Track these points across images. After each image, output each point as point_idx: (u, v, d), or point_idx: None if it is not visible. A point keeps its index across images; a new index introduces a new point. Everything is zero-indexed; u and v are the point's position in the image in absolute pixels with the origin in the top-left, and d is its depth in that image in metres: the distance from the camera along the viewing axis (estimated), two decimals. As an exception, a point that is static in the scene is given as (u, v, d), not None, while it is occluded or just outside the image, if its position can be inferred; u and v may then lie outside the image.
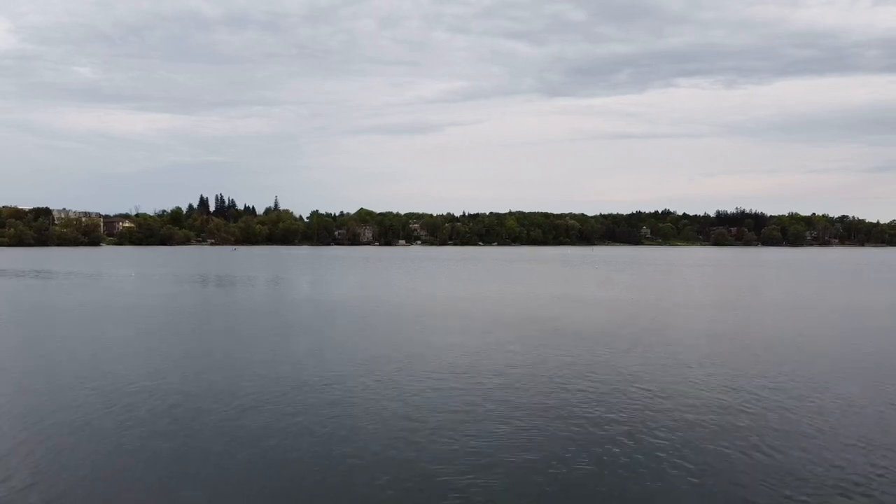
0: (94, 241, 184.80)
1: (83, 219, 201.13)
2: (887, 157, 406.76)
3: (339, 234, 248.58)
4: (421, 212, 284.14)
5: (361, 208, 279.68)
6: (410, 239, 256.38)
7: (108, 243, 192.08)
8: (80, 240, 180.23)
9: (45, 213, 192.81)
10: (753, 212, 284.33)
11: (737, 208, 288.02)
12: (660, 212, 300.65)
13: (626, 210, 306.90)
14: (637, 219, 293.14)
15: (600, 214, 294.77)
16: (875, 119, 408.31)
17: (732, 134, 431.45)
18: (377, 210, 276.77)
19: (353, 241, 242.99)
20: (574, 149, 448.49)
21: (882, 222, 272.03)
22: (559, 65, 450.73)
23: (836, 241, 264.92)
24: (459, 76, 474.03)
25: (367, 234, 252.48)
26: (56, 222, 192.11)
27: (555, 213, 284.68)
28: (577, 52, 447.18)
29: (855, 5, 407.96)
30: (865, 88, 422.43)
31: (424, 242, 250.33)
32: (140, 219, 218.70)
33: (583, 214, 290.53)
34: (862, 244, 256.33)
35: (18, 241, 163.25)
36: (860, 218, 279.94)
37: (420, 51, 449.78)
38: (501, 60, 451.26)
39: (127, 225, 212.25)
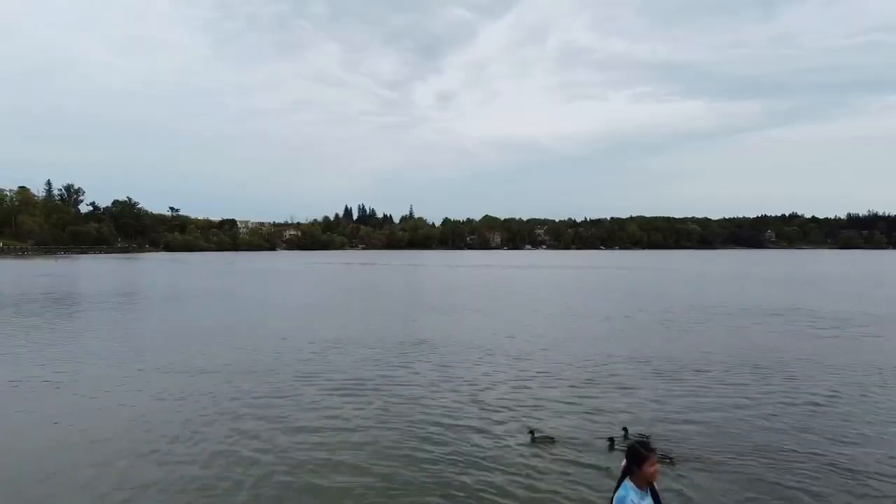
0: (272, 247, 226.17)
1: (263, 227, 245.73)
2: None
3: (470, 239, 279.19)
4: (543, 217, 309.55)
5: (486, 214, 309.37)
6: (536, 244, 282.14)
7: (280, 248, 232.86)
8: (262, 245, 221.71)
9: (231, 223, 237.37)
10: (887, 214, 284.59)
11: (869, 211, 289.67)
12: (787, 215, 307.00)
13: (752, 213, 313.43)
14: (762, 222, 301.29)
15: (723, 218, 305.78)
16: None
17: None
18: (501, 216, 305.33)
19: (484, 245, 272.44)
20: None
21: None
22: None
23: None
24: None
25: (496, 238, 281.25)
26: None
27: (677, 217, 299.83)
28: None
29: None
30: None
31: (549, 247, 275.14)
32: (304, 227, 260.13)
33: (706, 218, 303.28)
34: None
35: (219, 247, 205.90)
36: None
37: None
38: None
39: (293, 233, 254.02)
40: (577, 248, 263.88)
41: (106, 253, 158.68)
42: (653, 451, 5.00)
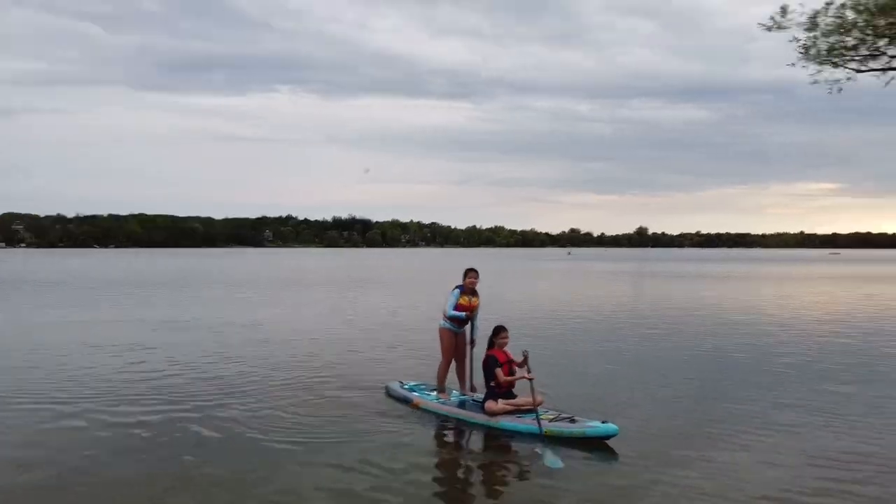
0: None
1: None
2: (465, 173, 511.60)
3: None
4: (24, 212, 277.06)
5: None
6: (13, 241, 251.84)
7: None
8: None
9: None
10: (362, 218, 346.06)
11: (349, 214, 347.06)
12: (283, 216, 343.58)
13: (253, 214, 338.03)
14: (262, 223, 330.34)
15: (226, 218, 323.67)
16: (449, 139, 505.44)
17: (335, 142, 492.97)
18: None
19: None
20: (185, 149, 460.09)
21: (458, 228, 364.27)
22: (148, 57, 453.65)
23: (424, 243, 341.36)
24: (26, 55, 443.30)
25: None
26: None
27: (181, 215, 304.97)
28: (165, 46, 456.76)
29: (415, 36, 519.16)
30: (437, 111, 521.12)
31: (30, 245, 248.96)
32: None
33: (210, 218, 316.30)
34: (442, 246, 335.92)
35: None
36: (445, 224, 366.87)
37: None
38: (77, 44, 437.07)
39: None
40: (66, 247, 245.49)
41: None
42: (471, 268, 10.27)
